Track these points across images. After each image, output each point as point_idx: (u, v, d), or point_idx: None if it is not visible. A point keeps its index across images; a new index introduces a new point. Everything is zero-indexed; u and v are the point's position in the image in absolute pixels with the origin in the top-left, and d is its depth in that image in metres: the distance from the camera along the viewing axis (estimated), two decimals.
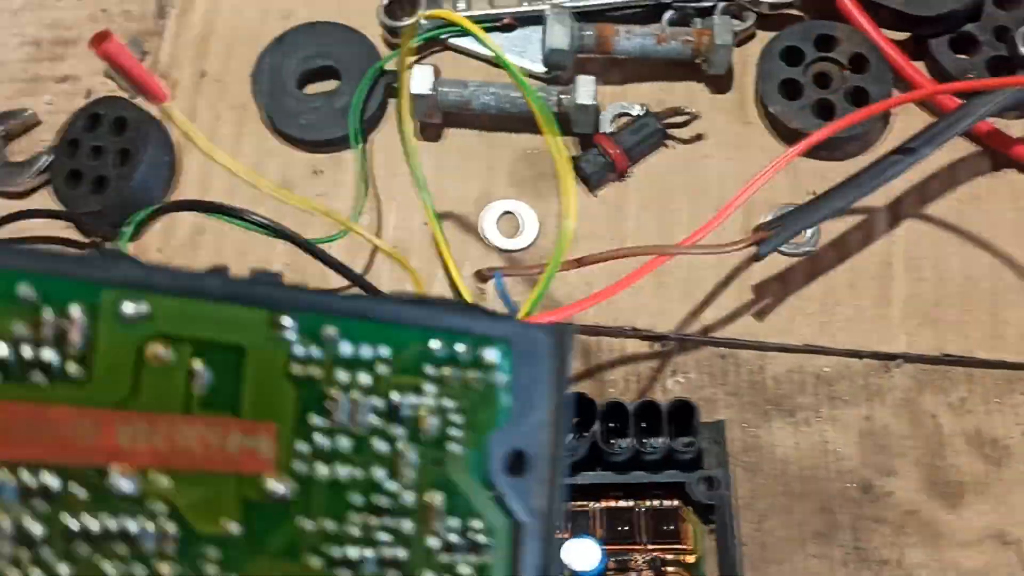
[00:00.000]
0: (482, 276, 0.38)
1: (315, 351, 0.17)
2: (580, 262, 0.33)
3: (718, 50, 0.40)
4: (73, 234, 0.41)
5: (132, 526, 0.16)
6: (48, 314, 0.15)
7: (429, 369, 0.19)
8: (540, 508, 0.18)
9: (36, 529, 0.15)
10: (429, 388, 0.19)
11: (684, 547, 0.37)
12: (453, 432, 0.19)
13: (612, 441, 0.36)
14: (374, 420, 0.18)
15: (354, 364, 0.18)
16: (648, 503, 0.37)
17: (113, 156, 0.41)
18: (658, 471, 0.36)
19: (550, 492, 0.18)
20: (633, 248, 0.35)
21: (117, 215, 0.40)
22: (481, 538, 0.18)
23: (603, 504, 0.37)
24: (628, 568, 0.36)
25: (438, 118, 0.41)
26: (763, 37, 0.42)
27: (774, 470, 0.37)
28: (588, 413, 0.36)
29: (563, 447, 0.19)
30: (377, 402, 0.18)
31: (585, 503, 0.37)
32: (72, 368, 0.16)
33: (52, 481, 0.15)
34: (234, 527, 0.17)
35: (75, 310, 0.15)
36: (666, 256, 0.32)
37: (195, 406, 0.17)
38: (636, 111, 0.41)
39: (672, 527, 0.37)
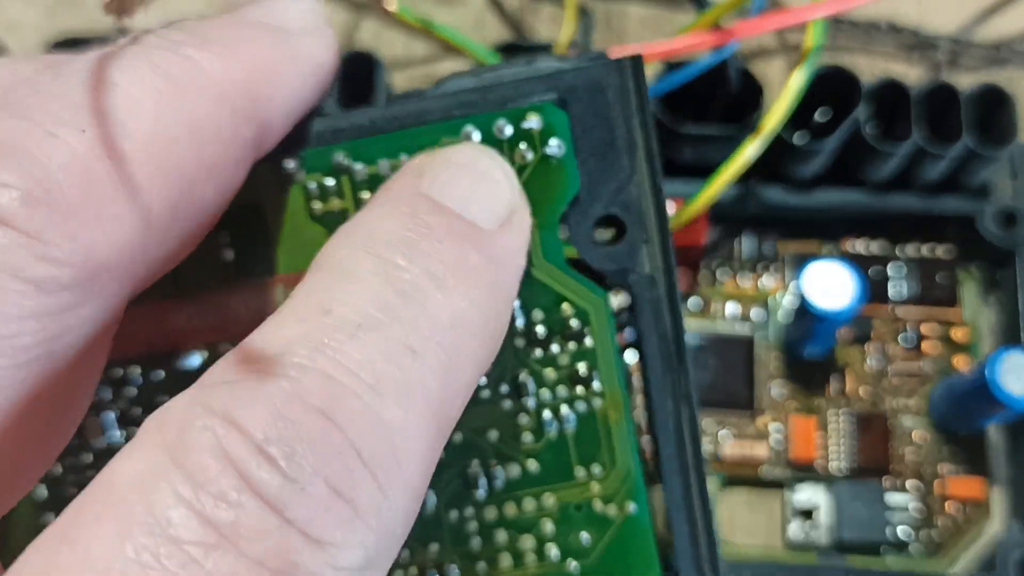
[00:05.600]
0: None
1: (329, 181, 0.15)
2: None
3: None
4: None
5: None
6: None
7: None
8: (652, 270, 0.15)
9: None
10: None
11: (952, 320, 0.26)
12: None
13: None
14: None
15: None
16: (909, 249, 0.26)
17: None
18: (930, 195, 0.25)
19: (662, 250, 0.15)
20: None
21: None
22: (574, 323, 0.15)
23: (842, 249, 0.26)
24: (869, 337, 0.26)
25: None
26: None
27: None
28: (846, 94, 0.24)
29: (663, 195, 0.15)
30: None
31: (818, 243, 0.26)
32: None
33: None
34: None
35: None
36: None
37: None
38: None
39: (945, 284, 0.26)
